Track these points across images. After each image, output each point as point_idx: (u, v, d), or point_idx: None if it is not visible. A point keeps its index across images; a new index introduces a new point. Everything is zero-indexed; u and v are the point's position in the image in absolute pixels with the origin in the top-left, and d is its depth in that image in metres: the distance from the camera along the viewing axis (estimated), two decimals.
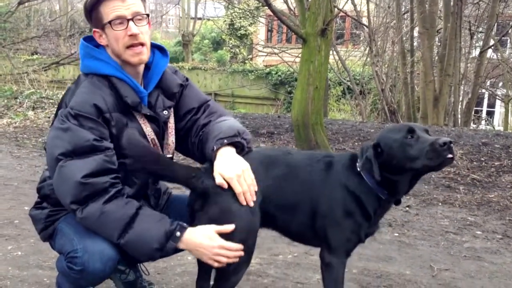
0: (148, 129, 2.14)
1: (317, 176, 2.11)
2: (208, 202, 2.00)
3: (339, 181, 2.09)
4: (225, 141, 2.05)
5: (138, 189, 2.17)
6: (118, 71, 2.07)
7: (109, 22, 2.02)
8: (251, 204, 1.99)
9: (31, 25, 19.58)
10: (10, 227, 3.80)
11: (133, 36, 2.03)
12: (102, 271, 2.01)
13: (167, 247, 1.95)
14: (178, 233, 1.96)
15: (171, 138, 2.27)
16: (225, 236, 1.96)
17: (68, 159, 1.94)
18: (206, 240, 1.95)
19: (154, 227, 1.95)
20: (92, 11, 2.07)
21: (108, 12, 2.02)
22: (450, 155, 1.91)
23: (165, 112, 2.20)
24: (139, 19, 2.06)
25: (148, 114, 2.12)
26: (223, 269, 2.01)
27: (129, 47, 2.04)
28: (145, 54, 2.09)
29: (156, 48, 2.24)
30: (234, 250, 1.96)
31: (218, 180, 1.97)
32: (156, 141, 2.17)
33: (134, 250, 1.98)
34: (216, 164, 2.01)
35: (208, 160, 2.10)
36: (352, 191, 2.07)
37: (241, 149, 2.10)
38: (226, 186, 1.96)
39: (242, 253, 1.99)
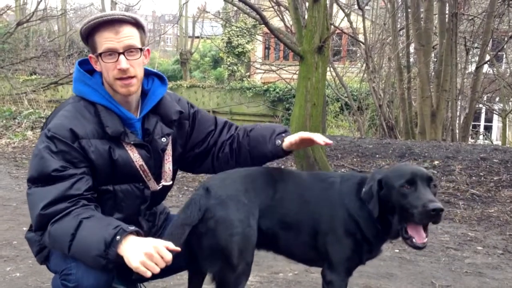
0: (135, 155, 2.14)
1: (320, 195, 2.14)
2: (206, 215, 2.01)
3: (341, 202, 2.12)
4: (283, 135, 2.31)
5: (129, 214, 2.16)
6: (104, 99, 2.10)
7: (100, 54, 2.04)
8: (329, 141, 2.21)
9: (30, 45, 19.76)
10: (9, 248, 3.78)
11: (121, 70, 2.04)
12: (96, 287, 1.99)
13: (109, 254, 1.86)
14: (118, 237, 1.86)
15: (167, 165, 2.28)
16: (224, 244, 1.95)
17: (33, 186, 2.01)
18: (140, 245, 1.84)
19: (95, 234, 1.88)
20: (88, 38, 2.10)
21: (101, 42, 2.04)
22: (436, 220, 1.94)
23: (163, 139, 2.21)
24: (132, 53, 2.06)
25: (132, 142, 2.12)
26: (223, 282, 2.00)
27: (118, 79, 2.06)
28: (134, 85, 2.10)
29: (156, 76, 2.28)
30: (167, 251, 1.83)
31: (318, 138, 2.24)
32: (145, 167, 2.17)
33: (81, 259, 1.95)
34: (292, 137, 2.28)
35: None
36: (352, 214, 2.10)
37: None
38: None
39: (170, 257, 1.83)
